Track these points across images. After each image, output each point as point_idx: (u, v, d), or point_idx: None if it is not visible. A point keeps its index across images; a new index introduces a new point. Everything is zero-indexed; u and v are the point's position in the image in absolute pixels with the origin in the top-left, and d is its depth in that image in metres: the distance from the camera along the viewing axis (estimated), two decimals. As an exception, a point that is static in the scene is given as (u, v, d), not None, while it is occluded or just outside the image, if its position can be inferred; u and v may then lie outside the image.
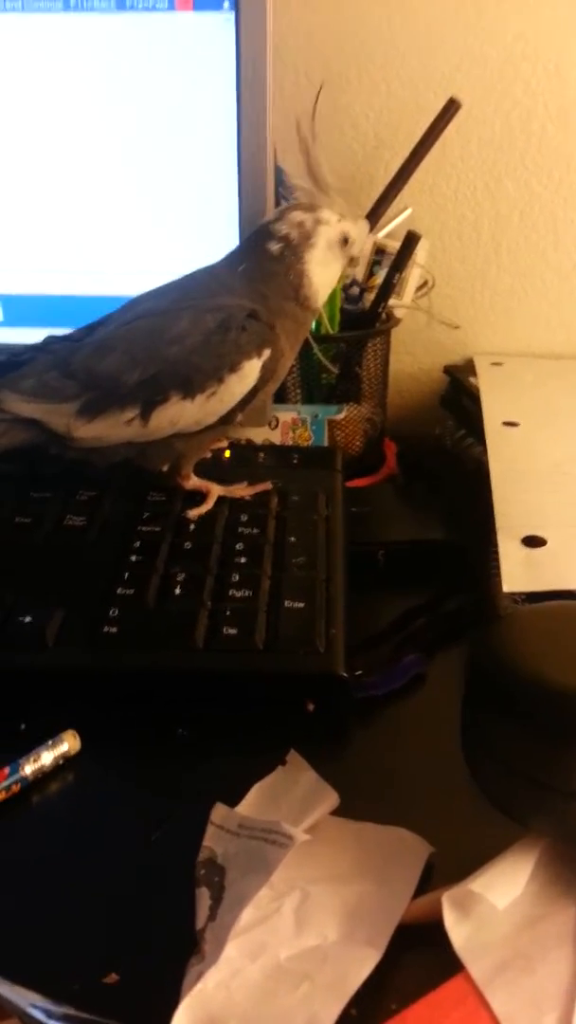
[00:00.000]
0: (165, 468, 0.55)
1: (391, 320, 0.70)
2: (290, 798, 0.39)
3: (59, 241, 0.63)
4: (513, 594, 0.49)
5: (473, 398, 0.69)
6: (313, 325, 0.61)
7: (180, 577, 0.49)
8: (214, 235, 0.61)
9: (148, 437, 0.52)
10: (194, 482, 0.56)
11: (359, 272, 0.69)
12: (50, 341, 0.54)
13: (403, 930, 0.33)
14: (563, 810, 0.34)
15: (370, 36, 0.75)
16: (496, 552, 0.50)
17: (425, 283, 0.72)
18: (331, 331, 0.67)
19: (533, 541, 0.50)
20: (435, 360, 0.81)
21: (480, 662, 0.40)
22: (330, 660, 0.44)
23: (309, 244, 0.53)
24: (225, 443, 0.63)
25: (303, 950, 0.32)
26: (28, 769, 0.39)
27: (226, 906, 0.33)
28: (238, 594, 0.48)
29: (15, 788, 0.39)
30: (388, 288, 0.67)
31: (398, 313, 0.70)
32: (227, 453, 0.63)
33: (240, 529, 0.53)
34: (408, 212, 0.72)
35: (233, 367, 0.51)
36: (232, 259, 0.54)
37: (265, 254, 0.53)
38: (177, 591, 0.48)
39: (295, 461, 0.62)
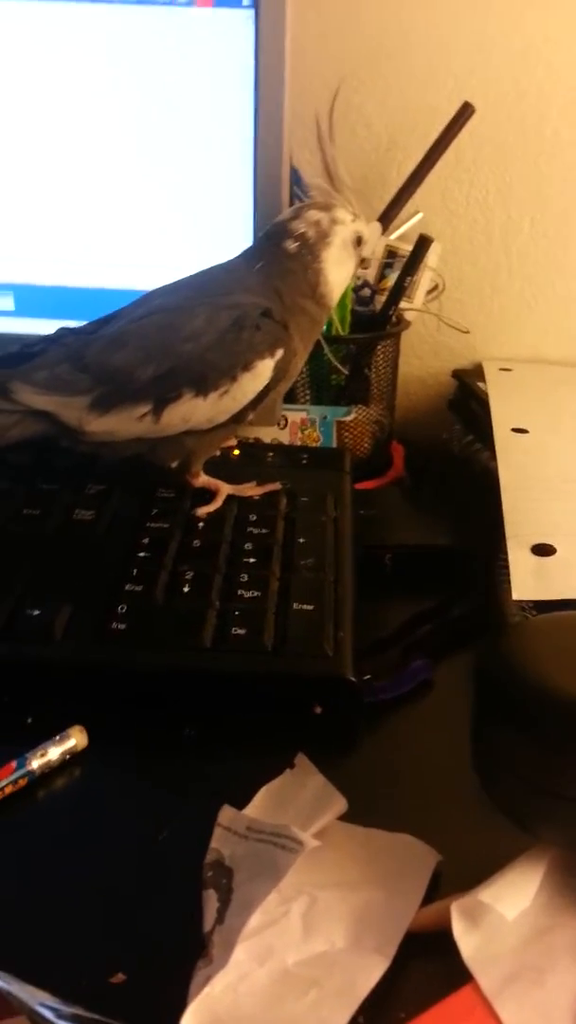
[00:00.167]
0: (175, 465, 0.55)
1: (401, 323, 0.70)
2: (298, 802, 0.38)
3: (73, 233, 0.62)
4: (521, 602, 0.49)
5: (481, 403, 0.69)
6: (324, 327, 0.61)
7: (189, 575, 0.49)
8: (228, 231, 0.61)
9: (159, 433, 0.52)
10: (203, 480, 0.56)
11: (371, 274, 0.69)
12: (63, 333, 0.54)
13: (411, 938, 0.33)
14: (573, 819, 0.34)
15: (384, 37, 0.74)
16: (505, 559, 0.50)
17: (436, 287, 0.72)
18: (342, 332, 0.67)
19: (543, 550, 0.50)
20: (444, 364, 0.81)
21: (489, 671, 0.40)
22: (339, 664, 0.44)
23: (326, 243, 0.53)
24: (234, 442, 0.63)
25: (311, 956, 0.32)
26: (35, 764, 0.39)
27: (234, 909, 0.33)
28: (247, 594, 0.48)
29: (22, 782, 0.39)
30: (399, 291, 0.67)
31: (408, 316, 0.70)
32: (236, 452, 0.62)
33: (249, 529, 0.53)
34: (420, 216, 0.72)
35: (247, 366, 0.51)
36: (248, 256, 0.54)
37: (282, 252, 0.53)
38: (185, 589, 0.48)
39: (304, 461, 0.62)
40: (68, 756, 0.40)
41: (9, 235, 0.63)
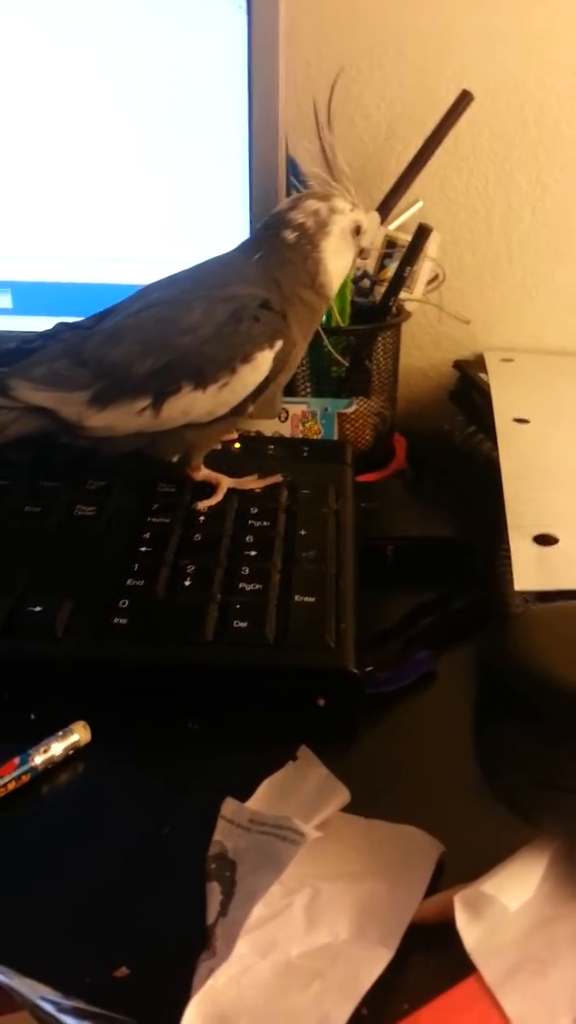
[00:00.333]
0: (175, 459, 0.55)
1: (401, 314, 0.69)
2: (300, 794, 0.38)
3: (69, 229, 0.62)
4: (524, 592, 0.48)
5: (483, 394, 0.69)
6: (324, 318, 0.60)
7: (190, 569, 0.49)
8: (224, 224, 0.61)
9: (159, 427, 0.52)
10: (204, 474, 0.56)
11: (370, 265, 0.69)
12: (60, 329, 0.54)
13: (414, 930, 0.33)
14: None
15: (382, 26, 0.74)
16: (507, 550, 0.50)
17: (436, 277, 0.72)
18: (342, 324, 0.66)
19: (545, 539, 0.50)
20: (445, 355, 0.81)
21: (492, 663, 0.40)
22: (340, 656, 0.44)
23: (325, 232, 0.53)
24: (235, 435, 0.63)
25: (314, 948, 0.32)
26: (38, 759, 0.39)
27: (237, 902, 0.33)
28: (248, 587, 0.47)
29: (25, 778, 0.39)
30: (399, 281, 0.67)
31: (408, 307, 0.70)
32: (237, 445, 0.62)
33: (250, 522, 0.53)
34: (419, 205, 0.72)
35: (246, 358, 0.51)
36: (246, 248, 0.54)
37: (281, 242, 0.52)
38: (187, 583, 0.48)
39: (305, 454, 0.62)
40: (71, 751, 0.40)
41: (5, 233, 0.62)
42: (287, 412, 0.67)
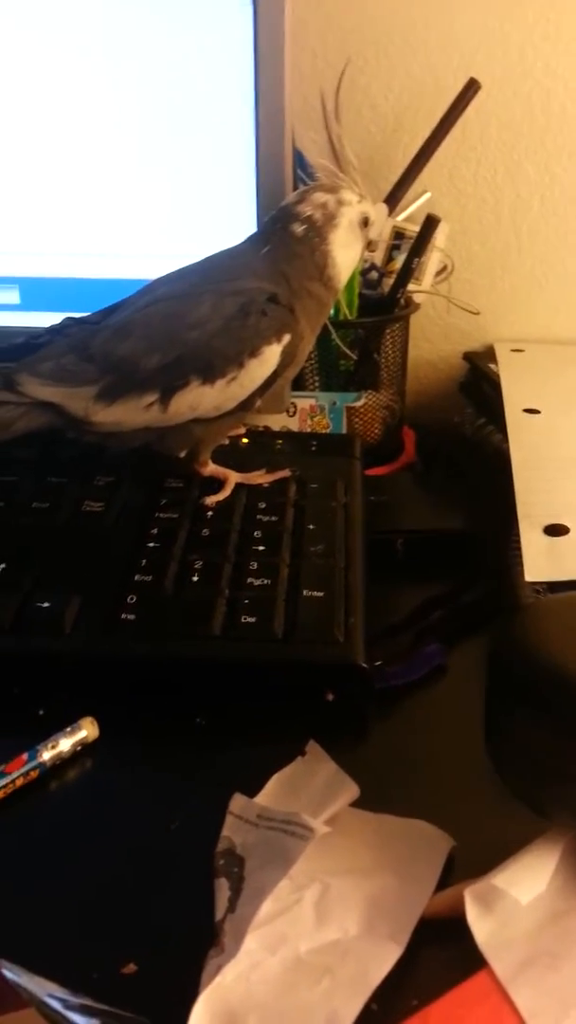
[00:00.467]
0: (183, 454, 0.55)
1: (410, 306, 0.69)
2: (310, 789, 0.38)
3: (76, 224, 0.62)
4: (534, 583, 0.48)
5: (493, 385, 0.69)
6: (332, 311, 0.60)
7: (198, 564, 0.48)
8: (232, 218, 0.60)
9: (167, 422, 0.51)
10: (212, 469, 0.56)
11: (378, 256, 0.69)
12: (68, 324, 0.54)
13: (424, 925, 0.33)
14: (588, 804, 0.33)
15: (389, 16, 0.73)
16: (517, 541, 0.49)
17: (444, 268, 0.71)
18: (350, 316, 0.66)
19: (555, 530, 0.50)
20: (454, 347, 0.80)
21: (502, 654, 0.39)
22: (349, 650, 0.44)
23: (333, 224, 0.52)
24: (243, 430, 0.63)
25: (324, 944, 0.32)
26: (46, 755, 0.39)
27: (245, 897, 0.33)
28: (256, 582, 0.47)
29: (33, 774, 0.39)
30: (407, 273, 0.66)
31: (417, 298, 0.69)
32: (245, 440, 0.62)
33: (258, 516, 0.53)
34: (427, 196, 0.71)
35: (254, 352, 0.51)
36: (254, 241, 0.54)
37: (289, 235, 0.52)
38: (195, 578, 0.48)
39: (313, 448, 0.61)
40: (79, 747, 0.40)
41: (13, 229, 0.62)
42: (295, 406, 0.67)
